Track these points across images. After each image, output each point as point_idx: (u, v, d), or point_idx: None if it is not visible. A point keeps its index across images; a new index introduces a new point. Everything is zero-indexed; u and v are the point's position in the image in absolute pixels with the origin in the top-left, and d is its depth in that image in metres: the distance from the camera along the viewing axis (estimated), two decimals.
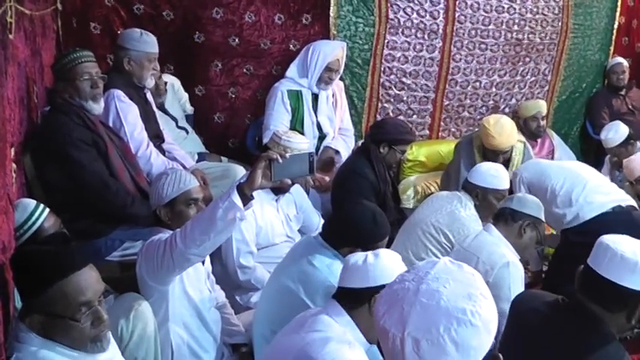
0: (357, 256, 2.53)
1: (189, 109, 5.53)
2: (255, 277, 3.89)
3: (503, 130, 5.11)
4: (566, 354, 2.32)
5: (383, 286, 2.36)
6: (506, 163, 4.94)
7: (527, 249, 3.61)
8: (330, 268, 2.96)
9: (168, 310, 3.07)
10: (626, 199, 4.40)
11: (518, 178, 4.46)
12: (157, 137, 4.53)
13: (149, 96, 4.63)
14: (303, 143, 4.21)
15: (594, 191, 4.36)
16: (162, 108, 5.04)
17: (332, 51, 5.41)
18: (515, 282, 3.33)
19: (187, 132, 5.24)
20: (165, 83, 5.13)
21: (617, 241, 2.36)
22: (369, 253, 2.52)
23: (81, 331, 2.03)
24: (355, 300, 2.45)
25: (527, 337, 2.46)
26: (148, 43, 4.39)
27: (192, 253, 2.72)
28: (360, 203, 3.22)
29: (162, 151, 4.48)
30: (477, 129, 5.68)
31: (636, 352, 4.02)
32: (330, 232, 3.16)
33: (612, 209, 4.28)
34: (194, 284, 3.17)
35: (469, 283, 1.44)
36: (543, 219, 3.63)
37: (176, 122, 5.16)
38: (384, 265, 2.46)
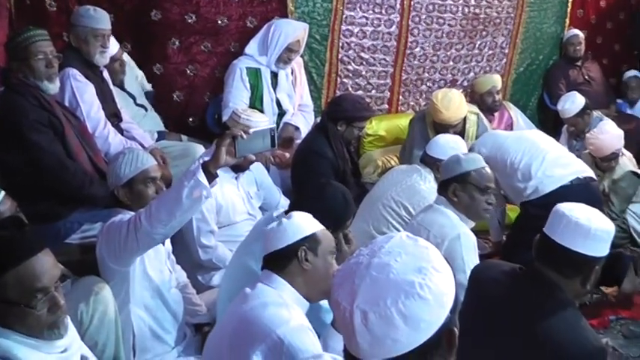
0: (272, 223, 2.59)
1: (148, 86, 5.47)
2: (216, 256, 3.88)
3: (451, 104, 5.12)
4: (524, 321, 2.36)
5: (304, 239, 2.45)
6: (461, 136, 4.92)
7: (473, 207, 3.48)
8: None
9: (129, 292, 3.06)
10: (584, 171, 4.44)
11: (476, 153, 4.35)
12: (114, 116, 4.48)
13: (105, 74, 4.58)
14: (262, 122, 4.18)
15: (553, 164, 4.39)
16: (121, 86, 4.98)
17: (293, 32, 5.38)
18: (469, 252, 3.31)
19: (146, 110, 5.18)
20: None
21: (572, 209, 2.45)
22: (274, 214, 2.60)
23: (37, 318, 1.99)
24: (282, 260, 2.49)
25: (486, 307, 2.51)
26: (93, 18, 4.30)
27: (158, 232, 2.75)
28: (328, 184, 3.22)
29: (121, 130, 4.44)
30: None
31: (595, 317, 4.13)
32: None
33: (571, 182, 4.32)
34: (155, 265, 3.17)
35: (421, 256, 1.42)
36: (467, 168, 3.49)
37: (134, 100, 5.10)
38: (298, 221, 2.53)
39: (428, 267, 1.40)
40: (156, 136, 4.98)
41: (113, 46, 4.76)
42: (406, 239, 1.48)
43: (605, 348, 2.40)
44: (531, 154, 4.42)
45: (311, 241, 2.50)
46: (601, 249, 2.43)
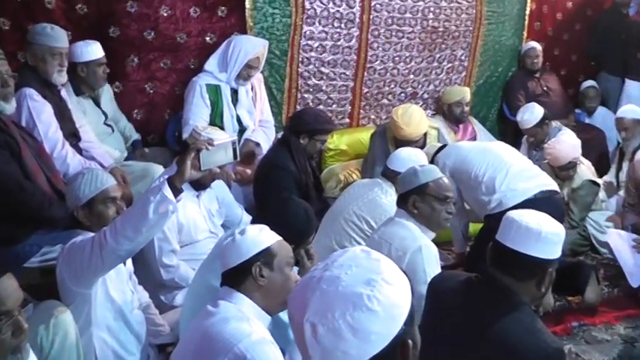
0: (228, 239, 2.58)
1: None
2: (179, 275, 3.85)
3: (412, 120, 5.16)
4: (479, 326, 2.39)
5: (258, 255, 2.45)
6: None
7: (434, 218, 3.48)
8: None
9: (91, 314, 3.03)
10: (548, 184, 4.47)
11: (441, 166, 4.35)
12: (73, 136, 4.43)
13: (64, 93, 4.53)
14: (223, 138, 4.16)
15: (517, 177, 4.40)
16: (96, 100, 4.98)
17: (253, 49, 5.35)
18: (430, 264, 3.31)
19: (113, 130, 5.14)
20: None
21: (522, 214, 2.52)
22: (236, 231, 2.57)
23: (1, 342, 1.99)
24: (238, 276, 2.49)
25: (445, 317, 2.52)
26: (50, 36, 4.26)
27: (124, 249, 2.76)
28: (290, 200, 3.22)
29: (79, 150, 4.39)
30: None
31: (558, 324, 4.18)
32: None
33: (535, 195, 4.33)
34: (117, 286, 3.14)
35: (372, 269, 1.42)
36: (425, 180, 3.49)
37: (105, 118, 5.07)
38: (251, 237, 2.51)
39: (377, 279, 1.40)
40: (126, 154, 5.00)
41: (98, 50, 4.80)
42: (359, 252, 1.49)
43: (562, 349, 2.43)
44: (495, 167, 4.44)
45: (265, 255, 2.48)
46: (552, 251, 2.47)
